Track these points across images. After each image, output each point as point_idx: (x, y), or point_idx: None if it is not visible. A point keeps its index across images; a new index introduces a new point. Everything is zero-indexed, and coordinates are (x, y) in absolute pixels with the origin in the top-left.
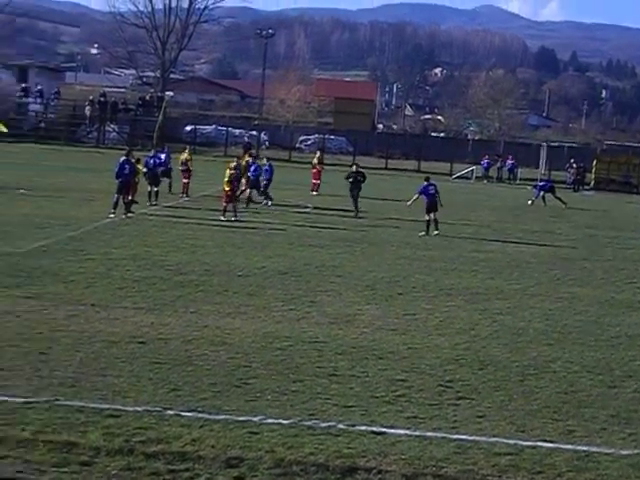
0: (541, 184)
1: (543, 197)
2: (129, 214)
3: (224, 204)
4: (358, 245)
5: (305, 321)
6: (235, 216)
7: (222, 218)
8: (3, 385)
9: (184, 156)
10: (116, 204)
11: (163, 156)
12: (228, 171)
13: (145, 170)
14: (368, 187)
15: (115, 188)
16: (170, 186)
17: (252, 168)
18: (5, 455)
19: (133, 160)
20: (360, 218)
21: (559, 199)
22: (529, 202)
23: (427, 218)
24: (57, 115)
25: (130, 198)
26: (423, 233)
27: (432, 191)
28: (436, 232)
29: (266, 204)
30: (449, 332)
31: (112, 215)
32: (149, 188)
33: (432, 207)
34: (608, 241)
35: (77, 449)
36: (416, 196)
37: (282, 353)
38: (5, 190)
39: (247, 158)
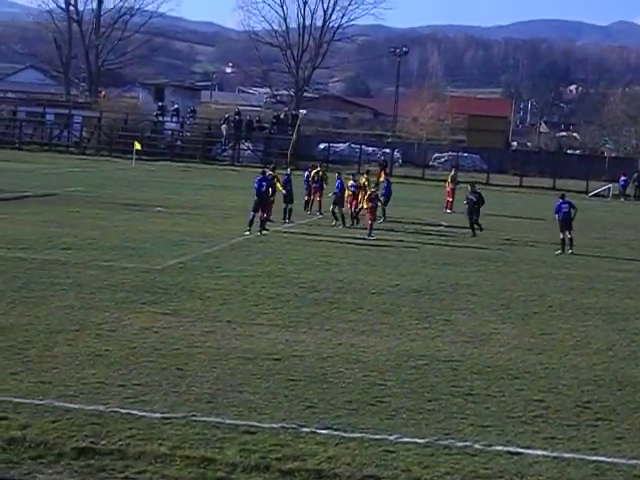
0: None
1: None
2: (264, 232)
3: (369, 222)
4: (493, 263)
5: (440, 340)
6: (370, 234)
7: (371, 237)
8: (141, 400)
9: (315, 172)
10: (251, 222)
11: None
12: (367, 190)
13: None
14: (503, 205)
15: (251, 205)
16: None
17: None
18: (143, 470)
19: (270, 177)
20: (476, 236)
21: None
22: None
23: (562, 237)
24: (193, 133)
25: (265, 216)
26: (559, 252)
27: (565, 209)
28: (570, 251)
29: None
30: (587, 352)
31: (247, 233)
32: (284, 206)
33: (566, 225)
34: None
35: (214, 465)
36: (555, 216)
37: (417, 372)
38: (142, 208)
39: (382, 177)
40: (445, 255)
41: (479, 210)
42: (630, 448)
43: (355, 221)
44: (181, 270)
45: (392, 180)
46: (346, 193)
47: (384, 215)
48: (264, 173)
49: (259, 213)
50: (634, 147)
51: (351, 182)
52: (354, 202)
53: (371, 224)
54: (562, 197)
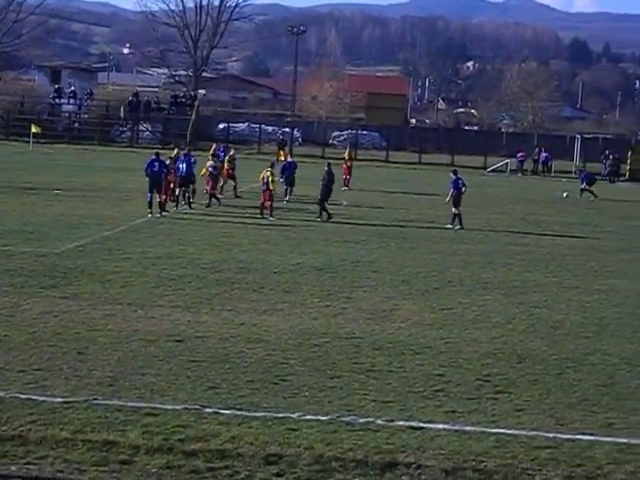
0: (583, 175)
1: (582, 189)
2: (163, 213)
3: (270, 203)
4: (393, 240)
5: (342, 317)
6: (270, 215)
7: (271, 218)
8: (42, 385)
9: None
10: (150, 203)
11: (193, 159)
12: (269, 172)
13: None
14: (402, 182)
15: (146, 187)
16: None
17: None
18: (45, 455)
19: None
20: (326, 222)
21: (591, 192)
22: (564, 194)
23: (455, 212)
24: (90, 115)
25: (164, 198)
26: (458, 227)
27: (460, 185)
28: (457, 227)
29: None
30: (486, 326)
31: (150, 215)
32: (178, 190)
33: (460, 201)
34: None
35: (116, 448)
36: (451, 191)
37: (319, 349)
38: (40, 191)
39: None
40: (346, 233)
41: (330, 188)
42: (530, 420)
43: (211, 201)
44: (80, 253)
45: (294, 160)
46: (203, 171)
47: (289, 195)
48: (157, 155)
49: (157, 195)
50: (531, 123)
51: (210, 163)
52: (211, 183)
53: (271, 205)
54: (455, 173)
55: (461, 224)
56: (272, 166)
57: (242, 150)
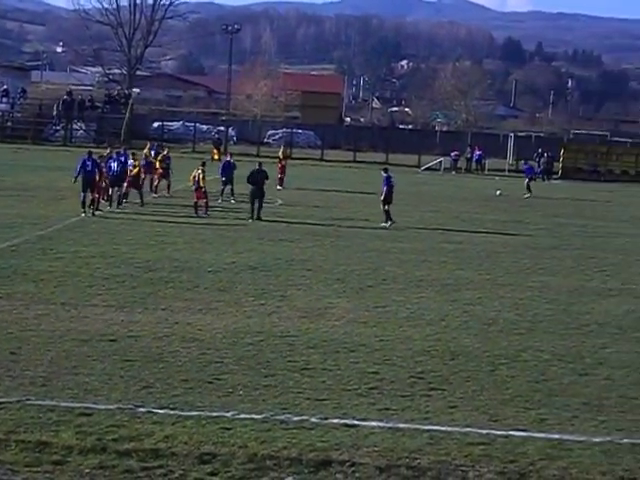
0: (527, 168)
1: (528, 185)
2: (97, 212)
3: (205, 200)
4: (327, 238)
5: (276, 315)
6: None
7: (204, 215)
8: None
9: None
10: (84, 203)
11: (123, 158)
12: (201, 170)
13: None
14: (337, 180)
15: (80, 187)
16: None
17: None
18: None
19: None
20: (262, 220)
21: (528, 187)
22: (497, 193)
23: (386, 209)
24: (23, 114)
25: (97, 197)
26: (390, 222)
27: (393, 182)
28: (387, 224)
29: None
30: (420, 323)
31: (83, 214)
32: (111, 191)
33: (391, 199)
34: (576, 230)
35: (49, 448)
36: (385, 189)
37: (253, 348)
38: None
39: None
40: (280, 232)
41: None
42: (463, 417)
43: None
44: (13, 253)
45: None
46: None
47: (232, 195)
48: (90, 154)
49: (90, 194)
50: (464, 121)
51: (130, 161)
52: (129, 182)
53: (206, 203)
54: (386, 170)
55: (390, 219)
56: (203, 165)
57: (177, 149)
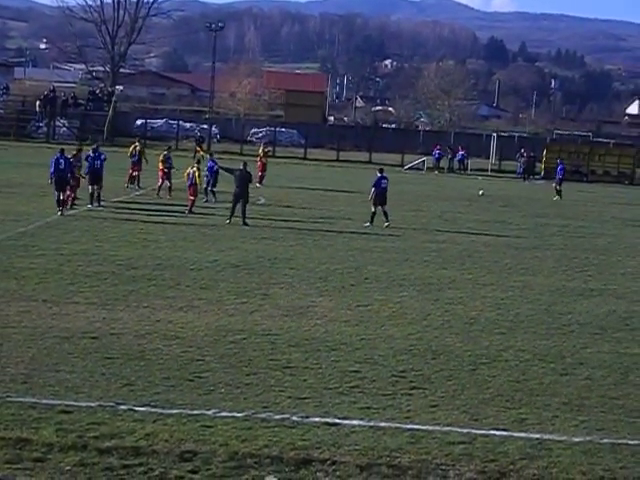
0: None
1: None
2: (72, 210)
3: (192, 199)
4: (310, 237)
5: (258, 314)
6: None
7: (187, 213)
8: None
9: (133, 147)
10: (59, 201)
11: (104, 155)
12: (196, 168)
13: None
14: (320, 179)
15: (53, 186)
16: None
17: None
18: None
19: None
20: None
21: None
22: (480, 192)
23: (373, 210)
24: (6, 111)
25: (70, 195)
26: (368, 224)
27: (385, 184)
28: (387, 224)
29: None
30: (402, 322)
31: (59, 213)
32: (90, 189)
33: (383, 200)
34: (558, 230)
35: (30, 445)
36: (373, 189)
37: (235, 346)
38: None
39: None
40: (263, 230)
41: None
42: (444, 415)
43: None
44: None
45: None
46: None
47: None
48: (62, 152)
49: (67, 192)
50: (447, 121)
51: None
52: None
53: (192, 201)
54: (381, 171)
55: (387, 220)
56: (198, 162)
57: (160, 147)
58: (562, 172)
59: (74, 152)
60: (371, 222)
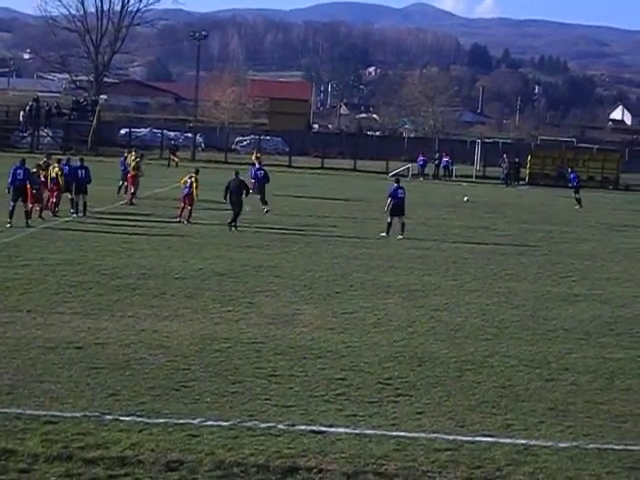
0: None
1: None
2: (30, 223)
3: (189, 208)
4: (295, 245)
5: (243, 322)
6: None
7: (184, 222)
8: None
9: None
10: (12, 213)
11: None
12: (194, 179)
13: (68, 178)
14: (305, 187)
15: (10, 195)
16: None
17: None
18: None
19: (31, 167)
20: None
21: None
22: (465, 199)
23: (389, 220)
24: None
25: (31, 207)
26: (384, 234)
27: (401, 194)
28: (400, 236)
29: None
30: (387, 329)
31: (8, 225)
32: (74, 197)
33: (399, 210)
34: (543, 236)
35: (15, 456)
36: (389, 200)
37: (221, 355)
38: None
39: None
40: (248, 238)
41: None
42: (430, 422)
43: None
44: None
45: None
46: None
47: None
48: (23, 161)
49: (30, 204)
50: (432, 127)
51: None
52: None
53: (183, 209)
54: (397, 182)
55: (402, 233)
56: (197, 172)
57: (144, 156)
58: (576, 180)
59: (40, 165)
60: (387, 232)
